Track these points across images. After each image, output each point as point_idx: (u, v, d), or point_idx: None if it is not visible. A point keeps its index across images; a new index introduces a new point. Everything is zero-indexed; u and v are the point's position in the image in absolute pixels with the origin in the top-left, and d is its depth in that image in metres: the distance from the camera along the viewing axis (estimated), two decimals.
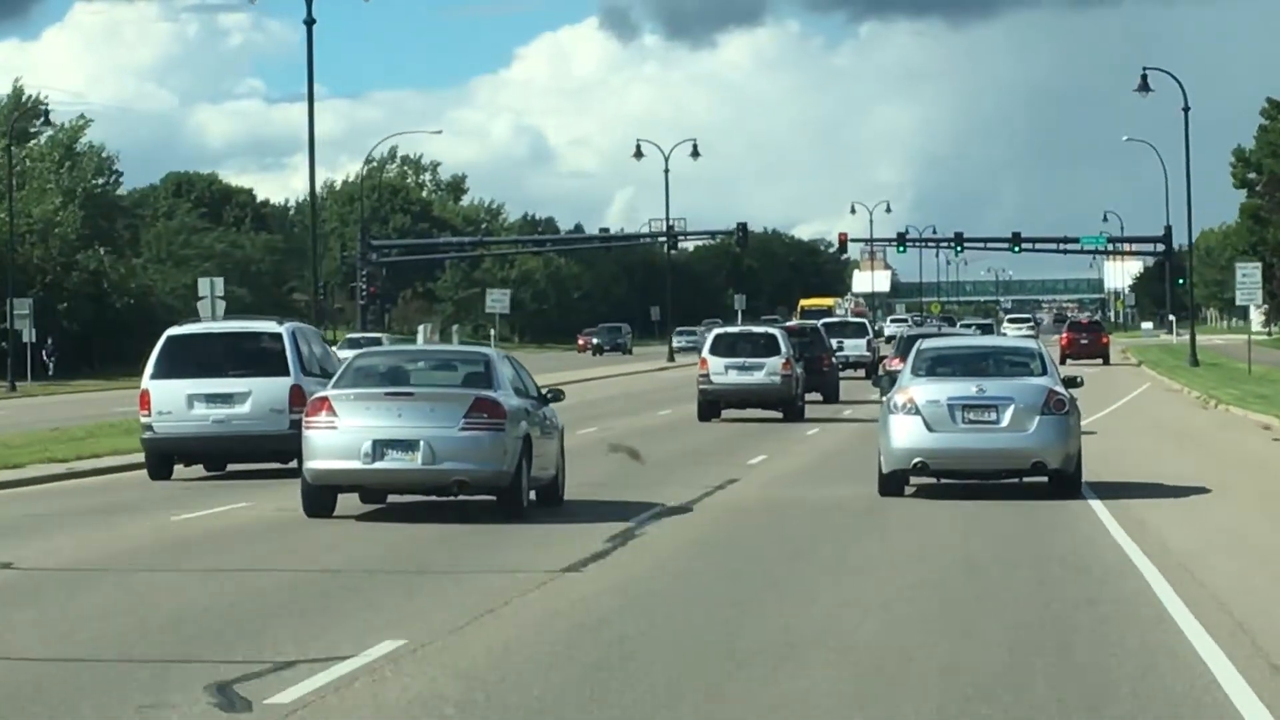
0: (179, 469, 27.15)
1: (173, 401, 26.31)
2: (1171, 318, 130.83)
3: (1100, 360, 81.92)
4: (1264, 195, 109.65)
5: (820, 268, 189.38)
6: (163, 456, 26.52)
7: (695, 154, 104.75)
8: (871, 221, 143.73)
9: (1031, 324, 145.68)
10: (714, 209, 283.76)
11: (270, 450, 26.05)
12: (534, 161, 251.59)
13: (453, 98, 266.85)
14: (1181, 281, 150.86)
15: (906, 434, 21.53)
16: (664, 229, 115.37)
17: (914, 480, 22.11)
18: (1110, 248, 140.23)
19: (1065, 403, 21.87)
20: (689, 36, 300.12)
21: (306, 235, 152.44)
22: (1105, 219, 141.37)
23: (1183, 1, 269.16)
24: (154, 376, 26.69)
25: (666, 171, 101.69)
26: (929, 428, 21.46)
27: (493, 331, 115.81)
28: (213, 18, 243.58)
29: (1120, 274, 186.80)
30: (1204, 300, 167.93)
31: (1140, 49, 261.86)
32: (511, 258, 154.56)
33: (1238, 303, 67.98)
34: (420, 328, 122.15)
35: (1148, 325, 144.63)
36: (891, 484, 21.86)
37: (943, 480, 22.19)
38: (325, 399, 20.47)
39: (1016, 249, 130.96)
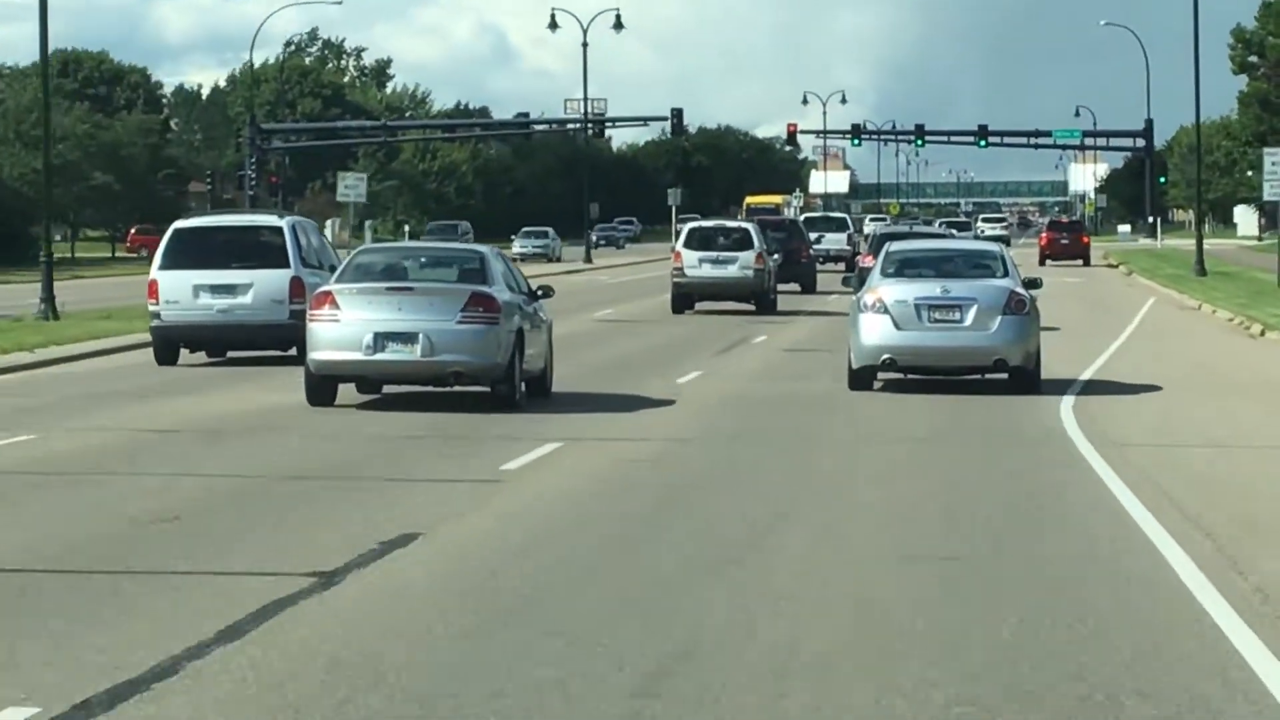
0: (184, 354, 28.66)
1: (180, 291, 27.96)
2: (1153, 220, 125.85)
3: (1080, 261, 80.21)
4: (1272, 77, 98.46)
5: (776, 166, 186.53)
6: (169, 343, 28.16)
7: (618, 25, 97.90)
8: (825, 114, 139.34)
9: (1006, 224, 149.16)
10: (683, 108, 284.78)
11: (271, 339, 27.63)
12: (495, 62, 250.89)
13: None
14: (1165, 179, 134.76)
15: (875, 332, 23.02)
16: (593, 113, 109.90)
17: (881, 375, 23.58)
18: (1085, 143, 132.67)
19: (1025, 303, 23.39)
20: None
21: (221, 122, 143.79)
22: (1078, 114, 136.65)
23: None
24: (162, 267, 28.49)
25: (585, 45, 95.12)
26: (897, 326, 22.97)
27: (406, 228, 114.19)
28: None
29: (1087, 176, 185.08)
30: (1186, 201, 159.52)
31: None
32: (433, 148, 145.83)
33: (1265, 198, 55.18)
34: (329, 223, 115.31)
35: (1124, 228, 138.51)
36: (860, 379, 23.36)
37: (908, 375, 23.73)
38: (329, 293, 21.78)
39: (983, 143, 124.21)
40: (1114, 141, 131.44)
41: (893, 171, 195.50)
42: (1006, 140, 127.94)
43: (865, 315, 23.23)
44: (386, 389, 22.61)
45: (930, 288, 23.54)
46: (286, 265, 27.63)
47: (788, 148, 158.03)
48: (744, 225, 47.45)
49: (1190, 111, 66.92)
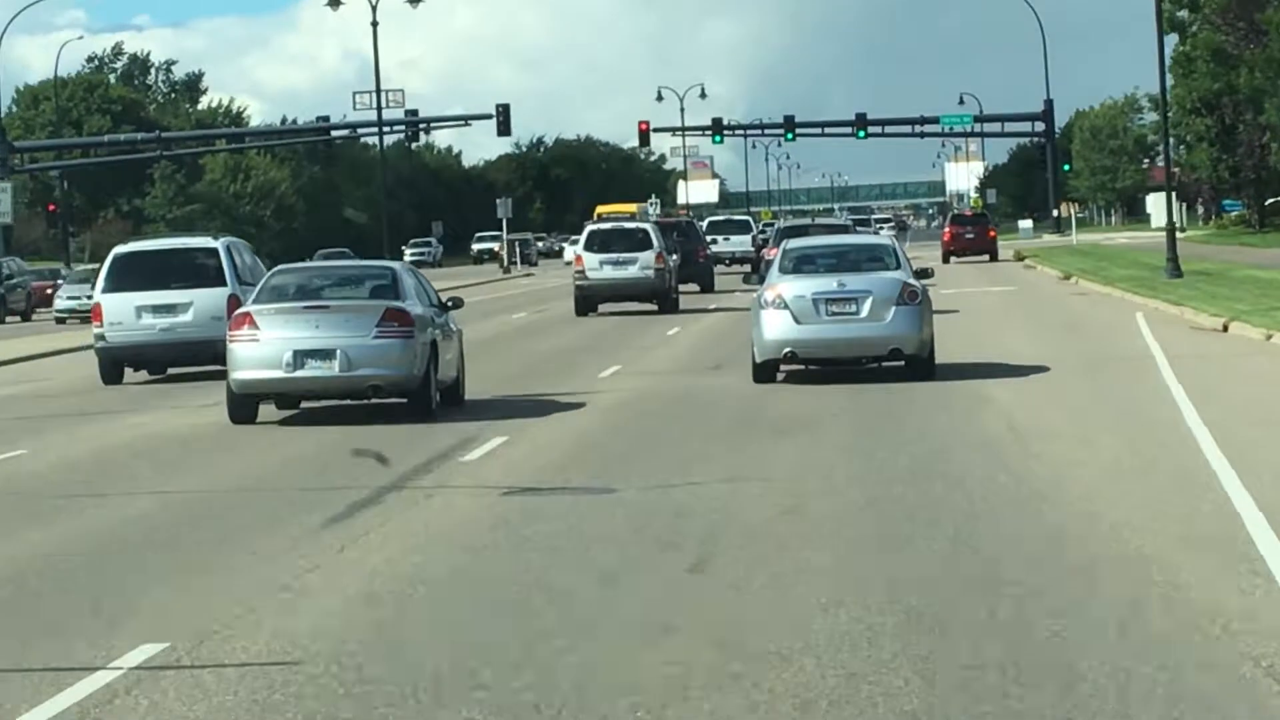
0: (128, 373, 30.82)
1: (123, 313, 29.91)
2: (1062, 213, 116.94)
3: (987, 256, 76.38)
4: (1225, 26, 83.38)
5: (641, 177, 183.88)
6: (115, 363, 30.19)
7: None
8: (683, 110, 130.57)
9: (894, 225, 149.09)
10: (547, 128, 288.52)
11: (211, 355, 28.55)
12: (363, 86, 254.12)
13: (279, 23, 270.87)
14: (1068, 167, 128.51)
15: (776, 326, 24.37)
16: (411, 115, 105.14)
17: (784, 367, 24.97)
18: (976, 129, 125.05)
19: (918, 294, 24.89)
20: None
21: None
22: (962, 102, 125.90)
23: None
24: (105, 291, 30.44)
25: (375, 25, 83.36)
26: (796, 320, 24.32)
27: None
28: None
29: (964, 175, 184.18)
30: (1090, 193, 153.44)
31: None
32: (245, 167, 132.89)
33: None
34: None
35: (1026, 224, 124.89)
36: (764, 372, 24.77)
37: (810, 367, 25.10)
38: (248, 314, 22.82)
39: (861, 133, 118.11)
40: (1010, 127, 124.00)
41: (763, 179, 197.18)
42: (888, 130, 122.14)
43: (766, 311, 24.55)
44: (305, 404, 23.46)
45: (827, 282, 24.82)
46: (224, 284, 29.28)
47: (643, 149, 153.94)
48: (643, 226, 49.27)
49: (1088, 94, 67.52)
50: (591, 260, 45.96)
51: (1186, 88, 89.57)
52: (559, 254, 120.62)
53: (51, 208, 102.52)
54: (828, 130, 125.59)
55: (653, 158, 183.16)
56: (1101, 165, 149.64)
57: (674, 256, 48.11)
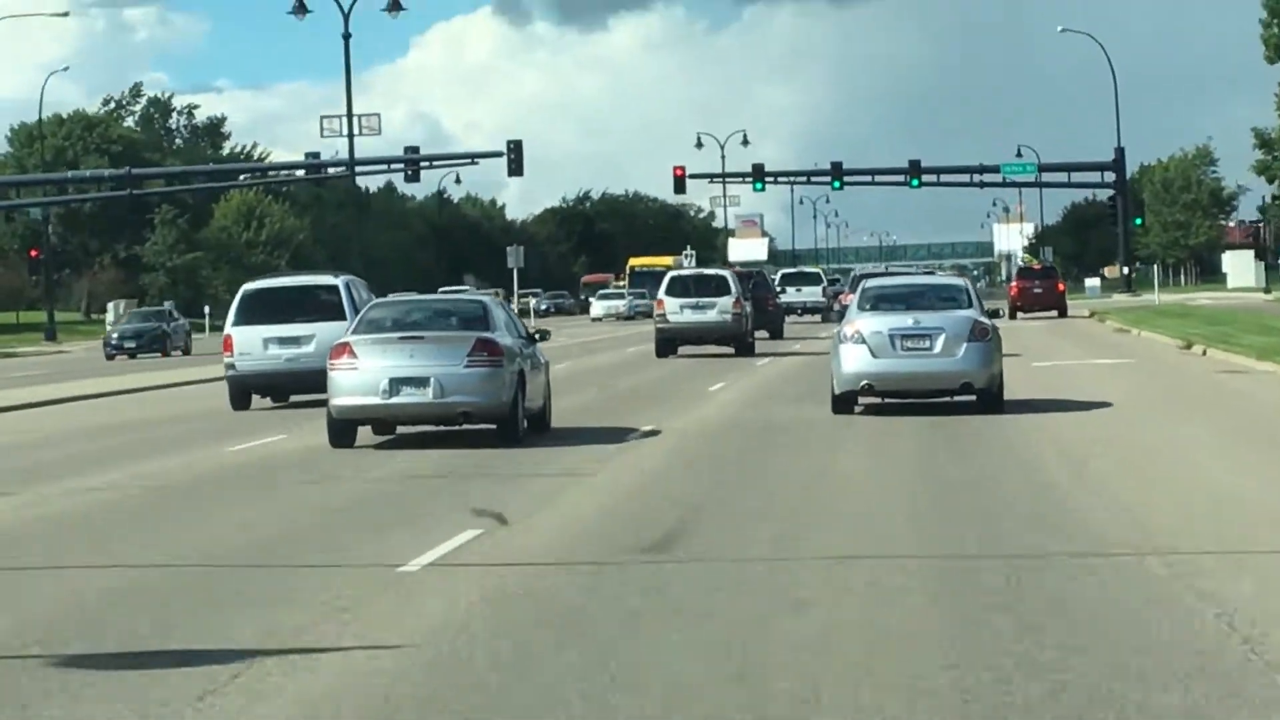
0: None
1: (251, 344, 32.53)
2: (1126, 270, 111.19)
3: (1056, 312, 73.38)
4: None
5: (687, 233, 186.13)
6: (243, 390, 32.86)
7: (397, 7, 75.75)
8: (723, 157, 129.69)
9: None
10: (606, 186, 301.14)
11: None
12: (431, 147, 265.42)
13: (352, 88, 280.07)
14: (1140, 221, 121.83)
15: (854, 360, 25.95)
16: (411, 152, 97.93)
17: (861, 400, 26.44)
18: (1042, 179, 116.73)
19: (988, 331, 26.39)
20: (580, 21, 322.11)
21: None
22: (1019, 154, 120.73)
23: None
24: (235, 324, 33.01)
25: (348, 68, 77.38)
26: (873, 354, 25.88)
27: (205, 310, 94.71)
28: (118, 12, 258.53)
29: (1012, 236, 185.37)
30: (1161, 250, 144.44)
31: (1022, 24, 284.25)
32: (259, 214, 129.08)
33: None
34: (111, 305, 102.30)
35: (1093, 282, 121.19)
36: (842, 404, 26.32)
37: (885, 399, 26.55)
38: (347, 344, 24.22)
39: (915, 182, 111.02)
40: (1076, 178, 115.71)
41: (811, 238, 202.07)
42: (943, 179, 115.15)
43: (845, 345, 26.08)
44: (400, 429, 24.93)
45: (902, 319, 26.37)
46: (343, 318, 30.97)
47: (678, 196, 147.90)
48: (722, 273, 51.41)
49: (1150, 148, 66.23)
50: (673, 304, 48.04)
51: None
52: (555, 312, 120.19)
53: (34, 253, 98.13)
54: (878, 179, 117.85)
55: (702, 214, 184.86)
56: (1173, 220, 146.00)
57: (748, 304, 49.98)
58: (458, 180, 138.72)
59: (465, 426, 24.09)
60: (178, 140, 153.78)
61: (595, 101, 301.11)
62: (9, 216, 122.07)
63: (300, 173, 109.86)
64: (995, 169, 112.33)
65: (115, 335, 70.90)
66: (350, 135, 70.46)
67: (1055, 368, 37.69)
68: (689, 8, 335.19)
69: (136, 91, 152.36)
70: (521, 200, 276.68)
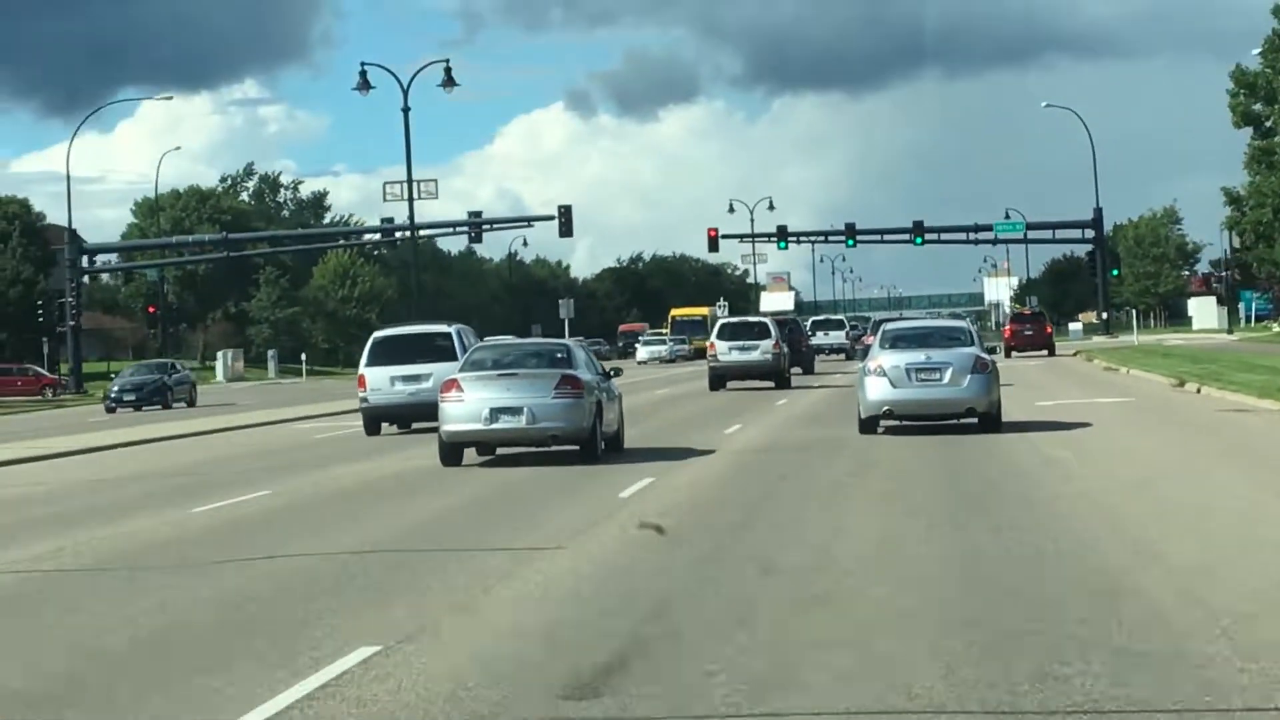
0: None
1: (381, 381, 37.18)
2: (1105, 315, 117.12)
3: (1045, 351, 78.25)
4: None
5: (725, 288, 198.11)
6: (375, 420, 37.61)
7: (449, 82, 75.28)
8: (752, 220, 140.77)
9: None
10: (656, 249, 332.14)
11: None
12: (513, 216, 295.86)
13: (448, 170, 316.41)
14: (1117, 272, 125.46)
15: (877, 390, 29.46)
16: (474, 216, 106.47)
17: (882, 423, 29.88)
18: (1029, 236, 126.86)
19: (988, 364, 29.71)
20: (637, 114, 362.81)
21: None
22: (1008, 216, 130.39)
23: (1037, 69, 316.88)
24: (367, 365, 37.60)
25: (407, 136, 76.75)
26: (892, 385, 29.37)
27: (270, 357, 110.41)
28: (254, 110, 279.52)
29: (1000, 287, 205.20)
30: (1134, 297, 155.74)
31: (1004, 112, 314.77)
32: (354, 274, 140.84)
33: None
34: (220, 354, 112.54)
35: (1076, 326, 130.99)
36: (867, 426, 29.68)
37: (903, 421, 30.01)
38: (455, 379, 27.09)
39: (919, 240, 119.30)
40: (1060, 234, 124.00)
41: (829, 290, 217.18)
42: (944, 237, 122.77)
43: (869, 378, 29.60)
44: (498, 450, 27.97)
45: (916, 355, 29.76)
46: (455, 359, 34.56)
47: (714, 254, 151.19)
48: (763, 320, 57.25)
49: (1128, 206, 71.61)
50: (722, 346, 54.69)
51: (1264, 186, 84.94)
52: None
53: (151, 310, 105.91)
54: (886, 237, 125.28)
55: (737, 272, 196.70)
56: (1144, 271, 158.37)
57: (785, 345, 55.98)
58: (525, 244, 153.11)
59: (553, 448, 26.98)
60: (285, 212, 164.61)
61: (650, 179, 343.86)
62: (130, 277, 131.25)
63: (376, 235, 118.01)
64: (989, 228, 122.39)
65: (115, 388, 69.38)
66: (410, 199, 74.21)
67: (1060, 407, 35.75)
68: (728, 101, 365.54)
69: (249, 170, 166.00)
70: (588, 263, 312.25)
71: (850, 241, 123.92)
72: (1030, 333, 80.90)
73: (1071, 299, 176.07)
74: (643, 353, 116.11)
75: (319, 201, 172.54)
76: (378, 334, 39.97)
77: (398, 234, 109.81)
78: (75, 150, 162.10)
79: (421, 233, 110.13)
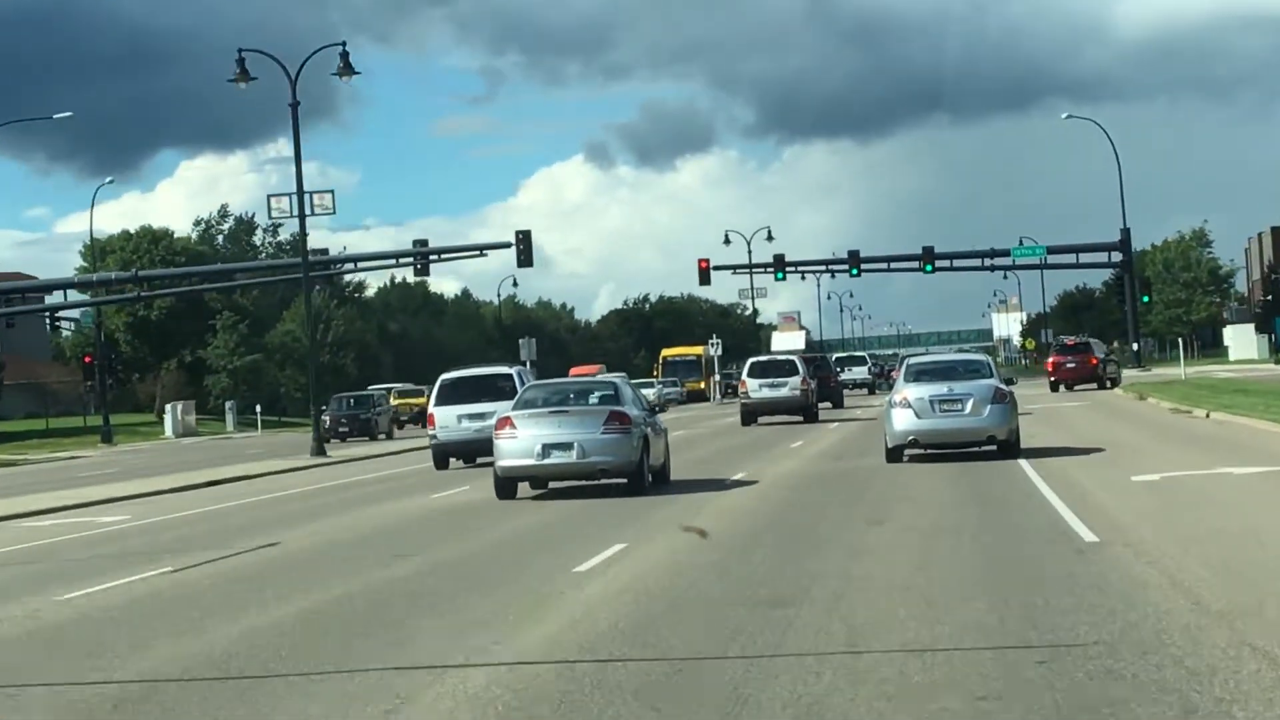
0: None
1: (448, 419, 39.90)
2: (1136, 346, 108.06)
3: (1094, 385, 71.54)
4: None
5: (733, 329, 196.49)
6: (444, 455, 40.43)
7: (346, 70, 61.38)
8: (750, 251, 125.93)
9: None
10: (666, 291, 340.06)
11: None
12: (536, 268, 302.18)
13: (472, 221, 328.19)
14: (1148, 298, 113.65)
15: (902, 420, 31.24)
16: (420, 245, 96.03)
17: (907, 452, 31.75)
18: (1046, 261, 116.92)
19: (1007, 395, 31.44)
20: (654, 164, 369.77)
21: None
22: (1021, 243, 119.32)
23: (1039, 113, 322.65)
24: (436, 404, 40.31)
25: (296, 137, 76.00)
26: (917, 415, 31.17)
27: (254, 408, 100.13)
28: (289, 168, 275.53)
29: (1008, 323, 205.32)
30: (1163, 326, 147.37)
31: (1009, 157, 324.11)
32: (326, 319, 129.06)
33: None
34: (169, 407, 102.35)
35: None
36: (894, 455, 31.52)
37: (927, 450, 31.88)
38: (508, 417, 28.26)
39: (929, 268, 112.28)
40: (1085, 258, 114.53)
41: (839, 329, 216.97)
42: (956, 264, 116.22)
43: (895, 409, 31.43)
44: (551, 485, 29.13)
45: (939, 388, 31.55)
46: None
47: (705, 287, 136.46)
48: (791, 357, 60.13)
49: (1161, 227, 66.51)
50: (753, 384, 57.60)
51: None
52: None
53: (88, 359, 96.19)
54: (894, 266, 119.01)
55: (746, 312, 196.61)
56: (1174, 299, 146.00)
57: (813, 381, 58.62)
58: (515, 284, 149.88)
59: (602, 481, 28.20)
60: (262, 255, 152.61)
61: (668, 227, 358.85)
62: (77, 327, 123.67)
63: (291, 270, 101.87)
64: (1005, 253, 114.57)
65: None
66: (301, 215, 58.61)
67: (1173, 485, 24.00)
68: (741, 151, 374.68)
69: (224, 212, 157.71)
70: (607, 307, 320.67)
71: (855, 271, 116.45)
72: (1073, 365, 73.92)
73: (1086, 330, 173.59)
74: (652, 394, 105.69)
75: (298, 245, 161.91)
76: (445, 376, 42.61)
77: (336, 266, 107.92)
78: (118, 209, 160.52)
79: (361, 265, 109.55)
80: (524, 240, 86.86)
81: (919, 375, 32.92)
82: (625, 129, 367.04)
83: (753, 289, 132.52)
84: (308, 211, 59.96)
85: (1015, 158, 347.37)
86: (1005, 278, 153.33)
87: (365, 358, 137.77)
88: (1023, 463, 29.55)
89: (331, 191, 63.40)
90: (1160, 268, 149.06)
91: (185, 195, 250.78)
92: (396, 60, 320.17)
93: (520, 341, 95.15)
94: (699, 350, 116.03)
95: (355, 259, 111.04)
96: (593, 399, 29.56)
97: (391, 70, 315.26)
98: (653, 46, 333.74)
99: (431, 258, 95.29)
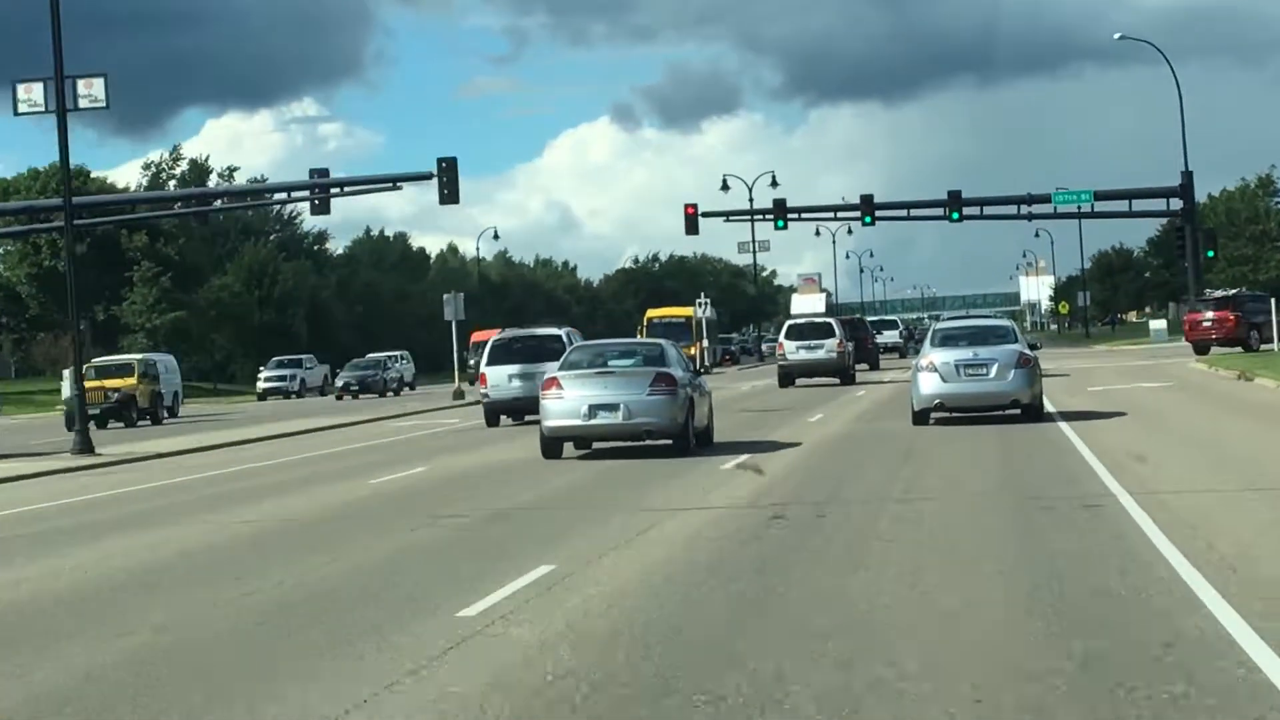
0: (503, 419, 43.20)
1: (500, 379, 41.90)
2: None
3: (1239, 348, 62.29)
4: None
5: (747, 290, 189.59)
6: (495, 413, 42.54)
7: None
8: (751, 199, 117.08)
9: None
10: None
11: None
12: (562, 229, 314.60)
13: (500, 183, 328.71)
14: (1213, 253, 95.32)
15: (929, 384, 32.60)
16: (320, 174, 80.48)
17: (933, 416, 33.06)
18: (1094, 209, 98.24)
19: (1031, 360, 32.65)
20: (680, 126, 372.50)
21: None
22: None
23: (1066, 78, 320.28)
24: (487, 364, 42.41)
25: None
26: (943, 380, 32.50)
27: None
28: (314, 127, 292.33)
29: (1036, 287, 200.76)
30: (1227, 284, 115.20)
31: (1031, 119, 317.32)
32: (272, 271, 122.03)
33: None
34: (65, 373, 77.63)
35: (1159, 324, 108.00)
36: (920, 418, 32.85)
37: (952, 414, 33.30)
38: (555, 378, 28.97)
39: (955, 215, 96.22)
40: (1139, 205, 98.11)
41: (867, 293, 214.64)
42: (987, 211, 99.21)
43: (921, 373, 32.79)
44: (595, 445, 29.84)
45: (965, 352, 32.82)
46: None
47: (690, 235, 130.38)
48: (829, 320, 61.71)
49: (1222, 174, 55.57)
50: (790, 346, 59.30)
51: None
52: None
53: None
54: (914, 213, 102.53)
55: (764, 273, 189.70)
56: (1239, 255, 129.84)
57: (850, 344, 60.36)
58: (496, 236, 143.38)
59: (647, 442, 28.85)
60: (217, 201, 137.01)
61: (692, 190, 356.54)
62: None
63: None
64: (1045, 198, 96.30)
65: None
66: (61, 108, 41.82)
67: None
68: (767, 114, 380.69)
69: (176, 156, 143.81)
70: (585, 257, 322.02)
71: (868, 219, 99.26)
72: (1208, 324, 64.44)
73: (1123, 295, 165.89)
74: None
75: (255, 191, 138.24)
76: (497, 338, 45.19)
77: (217, 201, 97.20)
78: (141, 168, 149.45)
79: (234, 202, 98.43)
80: (448, 171, 71.72)
81: (945, 340, 34.23)
82: (651, 91, 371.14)
83: (754, 242, 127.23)
84: (69, 105, 43.38)
85: (1045, 120, 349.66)
86: (1037, 236, 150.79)
87: (322, 318, 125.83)
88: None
89: (104, 75, 44.74)
90: (1224, 219, 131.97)
91: (211, 153, 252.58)
92: (421, 20, 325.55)
93: (445, 297, 74.63)
94: (687, 311, 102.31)
95: (238, 191, 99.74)
96: (639, 360, 30.15)
97: (416, 30, 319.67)
98: (679, 7, 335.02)
99: (333, 191, 79.67)
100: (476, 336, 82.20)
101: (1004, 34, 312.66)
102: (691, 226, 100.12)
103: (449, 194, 71.63)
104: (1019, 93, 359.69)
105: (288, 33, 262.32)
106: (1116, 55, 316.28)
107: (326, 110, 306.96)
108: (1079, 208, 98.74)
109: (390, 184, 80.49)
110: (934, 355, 33.23)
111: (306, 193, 78.16)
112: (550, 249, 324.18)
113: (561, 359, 31.57)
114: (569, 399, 28.65)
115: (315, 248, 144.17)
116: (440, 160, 70.75)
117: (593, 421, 28.66)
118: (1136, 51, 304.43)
